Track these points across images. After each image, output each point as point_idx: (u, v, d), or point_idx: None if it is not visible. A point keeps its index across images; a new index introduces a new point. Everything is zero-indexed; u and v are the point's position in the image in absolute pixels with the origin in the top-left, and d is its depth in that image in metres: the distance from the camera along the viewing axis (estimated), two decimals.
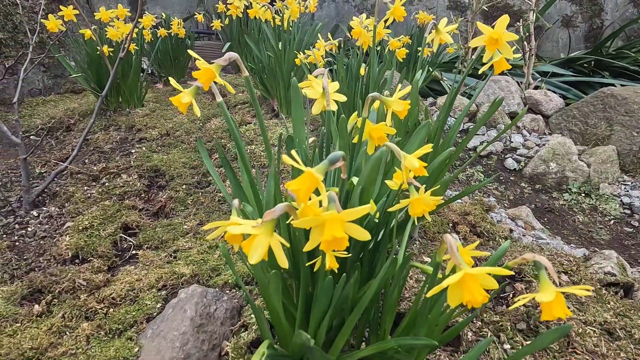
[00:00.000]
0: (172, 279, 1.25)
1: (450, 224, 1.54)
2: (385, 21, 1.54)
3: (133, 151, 2.06)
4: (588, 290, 0.53)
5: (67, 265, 1.35)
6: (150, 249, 1.44)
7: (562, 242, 1.83)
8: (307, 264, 0.68)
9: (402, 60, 2.38)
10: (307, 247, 0.56)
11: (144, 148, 2.07)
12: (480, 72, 1.11)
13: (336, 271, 0.75)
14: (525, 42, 3.40)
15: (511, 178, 2.56)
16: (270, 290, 0.65)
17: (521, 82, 3.51)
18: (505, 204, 2.32)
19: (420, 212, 0.72)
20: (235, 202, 0.68)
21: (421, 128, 0.88)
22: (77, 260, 1.38)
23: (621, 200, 2.39)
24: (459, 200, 1.99)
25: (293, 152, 0.57)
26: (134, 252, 1.44)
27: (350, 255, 0.70)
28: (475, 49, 3.69)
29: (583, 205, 2.37)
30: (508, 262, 0.60)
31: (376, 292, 0.76)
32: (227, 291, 1.21)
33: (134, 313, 1.14)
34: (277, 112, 2.54)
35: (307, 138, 0.99)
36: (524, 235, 1.71)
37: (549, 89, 3.44)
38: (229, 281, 1.24)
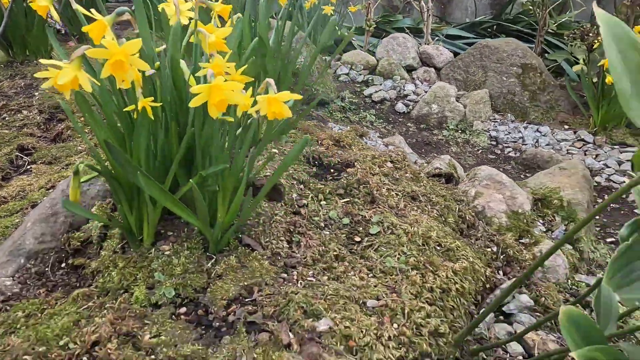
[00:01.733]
0: (59, 180, 1.44)
1: (316, 139, 1.80)
2: None
3: (36, 94, 2.17)
4: (296, 98, 0.78)
5: None
6: (44, 164, 1.61)
7: (421, 157, 2.16)
8: (124, 109, 0.90)
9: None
10: (103, 74, 0.78)
11: (47, 91, 2.19)
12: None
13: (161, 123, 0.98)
14: (423, 3, 3.73)
15: (400, 119, 2.88)
16: (84, 110, 0.87)
17: (422, 42, 3.84)
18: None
19: (219, 73, 0.96)
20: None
21: (237, 24, 1.12)
22: None
23: (490, 134, 2.78)
24: (340, 129, 2.27)
25: (92, 10, 0.79)
26: (28, 167, 1.60)
27: (160, 104, 0.93)
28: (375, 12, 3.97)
29: (458, 140, 2.73)
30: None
31: (190, 142, 1.00)
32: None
33: (22, 204, 1.33)
34: None
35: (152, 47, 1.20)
36: None
37: (452, 50, 3.80)
38: None
